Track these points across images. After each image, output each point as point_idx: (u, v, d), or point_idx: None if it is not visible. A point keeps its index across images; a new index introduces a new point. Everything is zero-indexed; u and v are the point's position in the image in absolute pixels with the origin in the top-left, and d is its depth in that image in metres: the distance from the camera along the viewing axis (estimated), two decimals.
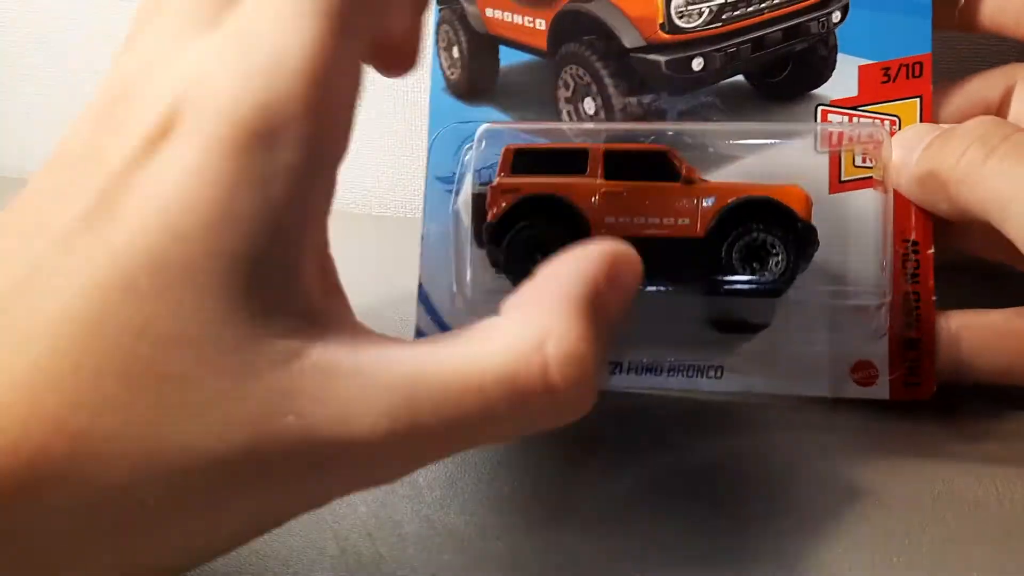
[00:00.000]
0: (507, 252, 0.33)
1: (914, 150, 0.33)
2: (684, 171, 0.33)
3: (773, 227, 0.32)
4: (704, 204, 0.33)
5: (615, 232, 0.33)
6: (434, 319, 0.36)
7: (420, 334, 0.36)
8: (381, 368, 0.20)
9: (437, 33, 0.37)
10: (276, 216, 0.19)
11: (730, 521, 0.30)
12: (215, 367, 0.19)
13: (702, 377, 0.35)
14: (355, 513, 0.30)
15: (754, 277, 0.32)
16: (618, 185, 0.33)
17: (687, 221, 0.33)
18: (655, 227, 0.33)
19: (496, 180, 0.34)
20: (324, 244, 0.22)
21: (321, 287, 0.21)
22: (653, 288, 0.33)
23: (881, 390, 0.35)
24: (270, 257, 0.19)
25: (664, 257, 0.32)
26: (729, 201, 0.33)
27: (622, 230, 0.33)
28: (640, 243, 0.33)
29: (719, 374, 0.35)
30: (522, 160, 0.34)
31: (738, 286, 0.32)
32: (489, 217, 0.33)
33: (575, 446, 0.33)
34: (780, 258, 0.32)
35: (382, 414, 0.20)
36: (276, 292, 0.20)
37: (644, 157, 0.34)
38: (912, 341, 0.35)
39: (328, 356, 0.20)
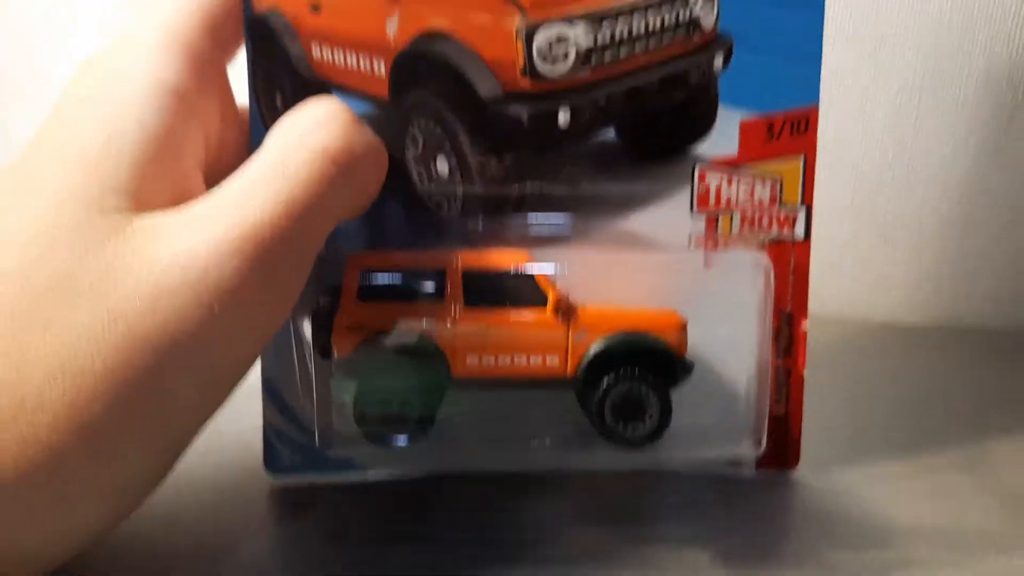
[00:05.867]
0: (356, 405, 0.29)
1: None
2: (552, 297, 0.29)
3: (648, 372, 0.29)
4: (575, 338, 0.29)
5: (477, 373, 0.29)
6: (283, 411, 0.32)
7: (271, 428, 0.32)
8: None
9: (253, 79, 0.31)
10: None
11: None
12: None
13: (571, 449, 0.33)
14: None
15: (626, 431, 0.29)
16: (480, 318, 0.29)
17: (556, 360, 0.29)
18: (522, 368, 0.29)
19: (340, 311, 0.29)
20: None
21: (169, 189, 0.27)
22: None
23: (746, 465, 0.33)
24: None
25: (529, 400, 0.29)
26: (601, 339, 0.29)
27: (485, 371, 0.29)
28: (505, 384, 0.29)
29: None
30: (371, 282, 0.29)
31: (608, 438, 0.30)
32: (336, 355, 0.29)
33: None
34: (654, 409, 0.29)
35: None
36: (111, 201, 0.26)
37: (508, 278, 0.29)
38: (780, 418, 0.33)
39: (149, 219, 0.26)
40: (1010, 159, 0.53)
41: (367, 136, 0.28)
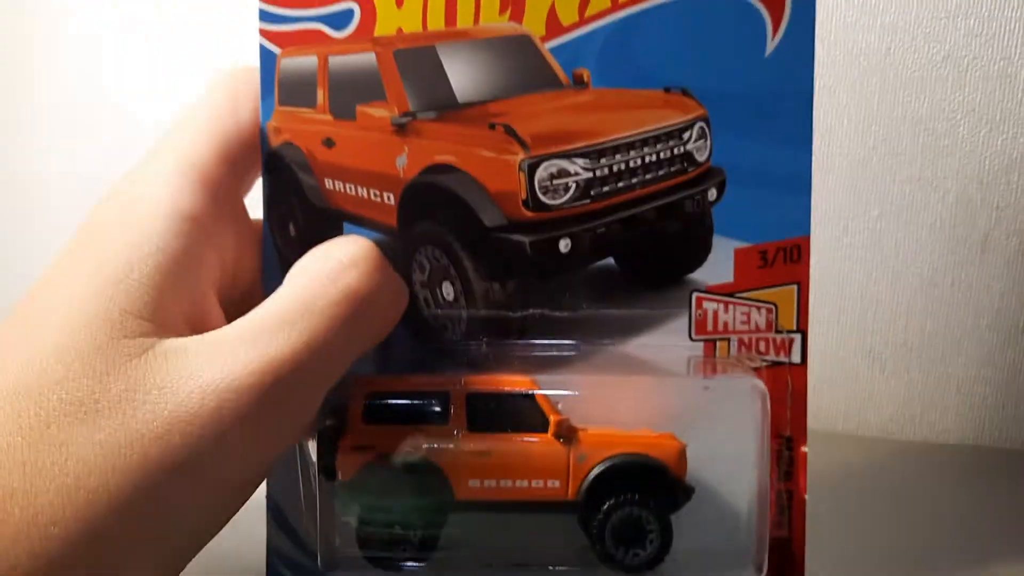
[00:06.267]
0: (359, 527, 0.29)
1: None
2: (554, 420, 0.30)
3: (649, 495, 0.30)
4: (576, 461, 0.30)
5: (479, 497, 0.29)
6: (286, 532, 0.32)
7: (274, 550, 0.32)
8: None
9: (268, 209, 0.32)
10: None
11: None
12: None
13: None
14: None
15: (626, 557, 0.29)
16: (482, 443, 0.29)
17: (557, 483, 0.30)
18: (524, 491, 0.29)
19: (346, 433, 0.30)
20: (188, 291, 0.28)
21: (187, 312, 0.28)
22: None
23: None
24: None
25: (531, 523, 0.29)
26: (602, 462, 0.30)
27: (487, 494, 0.29)
28: (507, 507, 0.30)
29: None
30: (377, 404, 0.30)
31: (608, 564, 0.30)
32: (340, 477, 0.29)
33: None
34: (655, 534, 0.30)
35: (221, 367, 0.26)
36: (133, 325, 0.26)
37: (511, 401, 0.30)
38: (783, 541, 0.33)
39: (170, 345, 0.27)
40: (988, 278, 0.55)
41: (391, 276, 0.29)
